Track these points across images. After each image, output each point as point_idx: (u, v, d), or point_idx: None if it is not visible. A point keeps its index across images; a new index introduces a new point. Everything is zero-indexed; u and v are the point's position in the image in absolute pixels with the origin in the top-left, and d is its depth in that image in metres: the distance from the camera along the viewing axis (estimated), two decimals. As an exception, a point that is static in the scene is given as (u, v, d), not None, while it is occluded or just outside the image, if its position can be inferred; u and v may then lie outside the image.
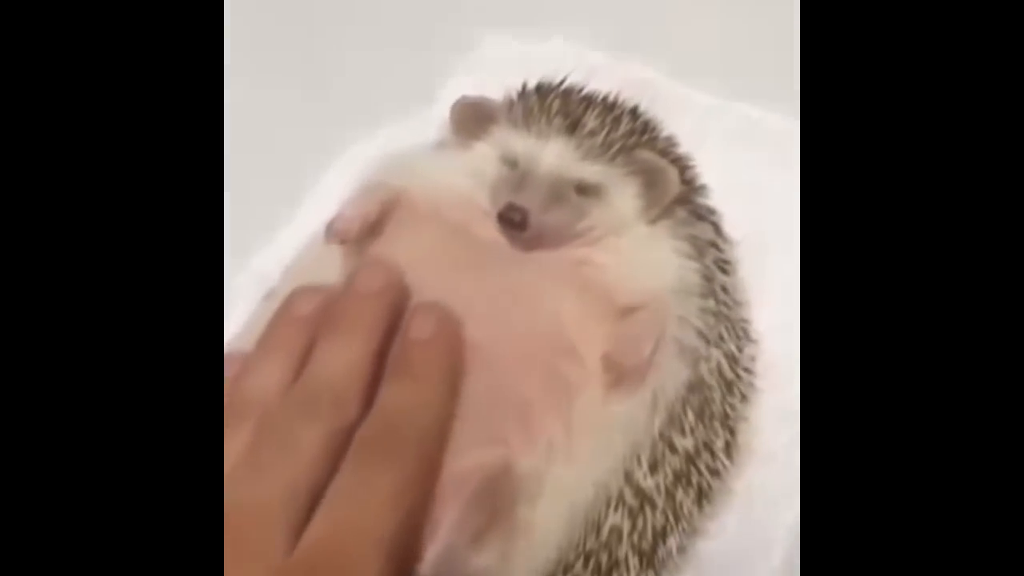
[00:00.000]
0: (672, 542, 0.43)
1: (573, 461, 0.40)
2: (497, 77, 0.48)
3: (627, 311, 0.43)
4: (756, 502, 0.47)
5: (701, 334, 0.44)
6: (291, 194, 0.57)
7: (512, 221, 0.42)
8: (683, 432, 0.43)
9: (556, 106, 0.45)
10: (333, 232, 0.43)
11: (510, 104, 0.47)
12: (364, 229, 0.44)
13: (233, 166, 0.40)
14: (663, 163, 0.45)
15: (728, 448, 0.45)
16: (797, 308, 0.33)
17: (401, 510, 0.35)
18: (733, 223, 0.50)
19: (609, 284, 0.43)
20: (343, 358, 0.39)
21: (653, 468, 0.42)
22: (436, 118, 0.54)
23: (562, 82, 0.47)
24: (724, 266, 0.47)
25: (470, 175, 0.46)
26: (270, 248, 0.55)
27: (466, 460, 0.38)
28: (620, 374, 0.41)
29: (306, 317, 0.41)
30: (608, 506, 0.41)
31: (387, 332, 0.40)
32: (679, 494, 0.43)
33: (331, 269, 0.44)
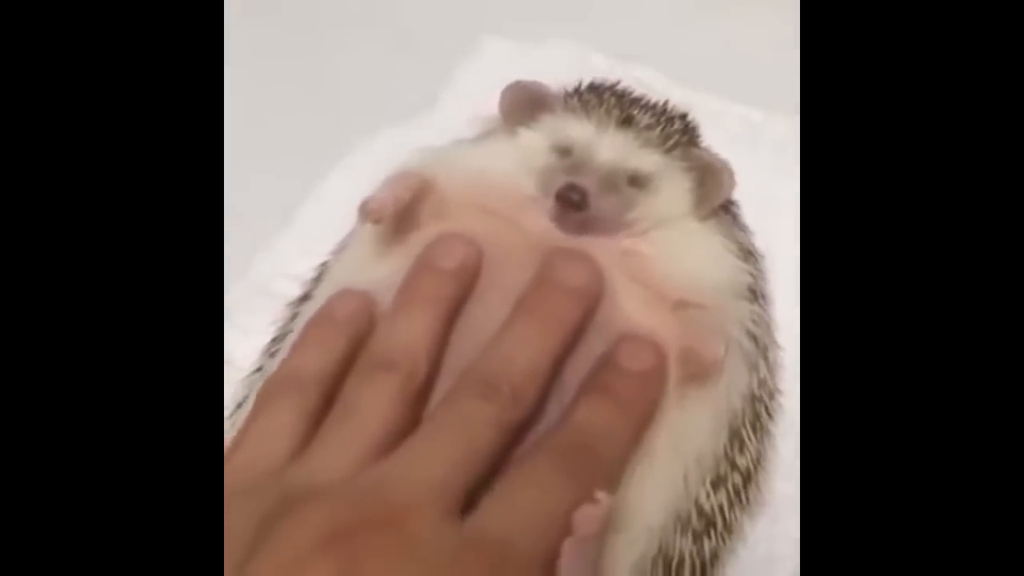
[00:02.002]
0: (721, 563, 0.42)
1: (650, 478, 0.39)
2: (499, 80, 0.48)
3: (681, 305, 0.42)
4: (763, 515, 0.46)
5: (754, 338, 0.43)
6: (291, 200, 0.56)
7: (571, 200, 0.41)
8: (742, 448, 0.42)
9: (613, 101, 0.45)
10: (367, 212, 0.42)
11: (566, 94, 0.46)
12: (398, 212, 0.42)
13: (233, 171, 0.40)
14: (721, 162, 0.45)
15: (767, 463, 0.44)
16: (797, 313, 0.33)
17: (566, 533, 0.33)
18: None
19: (662, 276, 0.43)
20: (532, 350, 0.38)
21: (715, 487, 0.41)
22: (438, 120, 0.53)
23: (616, 83, 0.47)
24: (761, 274, 0.47)
25: (515, 161, 0.45)
26: (269, 254, 0.54)
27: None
28: (699, 369, 0.40)
29: (455, 271, 0.40)
30: (676, 532, 0.39)
31: (578, 333, 0.39)
32: (735, 513, 0.42)
33: (370, 264, 0.44)
